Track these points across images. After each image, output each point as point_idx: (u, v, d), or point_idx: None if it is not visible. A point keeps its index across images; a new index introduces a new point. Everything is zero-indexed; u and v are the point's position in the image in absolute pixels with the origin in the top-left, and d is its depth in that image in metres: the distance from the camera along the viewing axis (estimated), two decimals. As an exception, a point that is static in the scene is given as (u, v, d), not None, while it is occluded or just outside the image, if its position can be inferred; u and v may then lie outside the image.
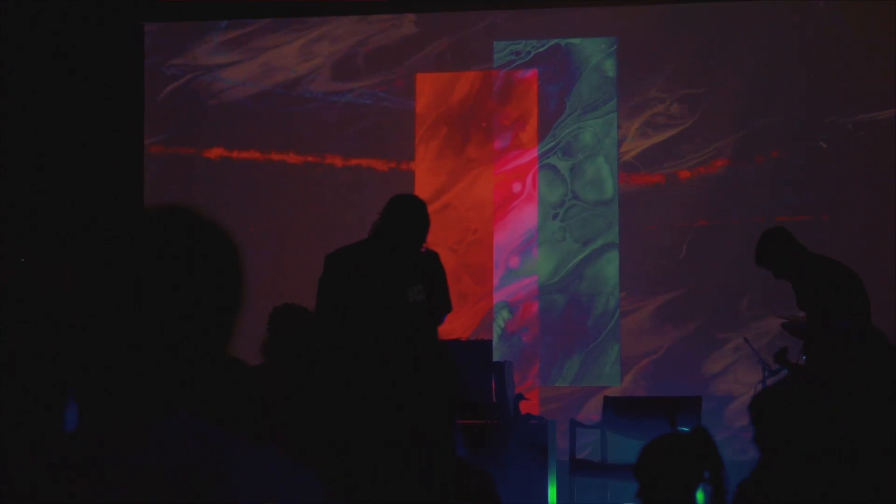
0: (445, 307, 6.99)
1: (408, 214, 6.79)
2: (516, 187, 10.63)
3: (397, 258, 6.80)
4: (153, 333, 1.87)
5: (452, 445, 3.23)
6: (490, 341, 8.94)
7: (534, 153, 10.61)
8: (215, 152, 10.98)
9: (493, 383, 8.33)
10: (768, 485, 3.88)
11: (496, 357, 9.14)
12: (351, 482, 2.97)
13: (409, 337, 6.69)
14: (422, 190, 10.46)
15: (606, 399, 9.37)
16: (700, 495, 3.93)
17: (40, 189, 10.61)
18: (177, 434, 1.86)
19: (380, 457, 2.99)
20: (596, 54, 10.59)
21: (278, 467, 1.88)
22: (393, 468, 2.95)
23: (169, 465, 1.82)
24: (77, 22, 10.79)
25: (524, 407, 8.66)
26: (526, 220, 10.59)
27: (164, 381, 1.88)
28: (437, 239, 9.84)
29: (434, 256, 7.00)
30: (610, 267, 10.48)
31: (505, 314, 10.56)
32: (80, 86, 10.78)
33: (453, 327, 9.49)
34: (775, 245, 8.16)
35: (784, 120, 10.24)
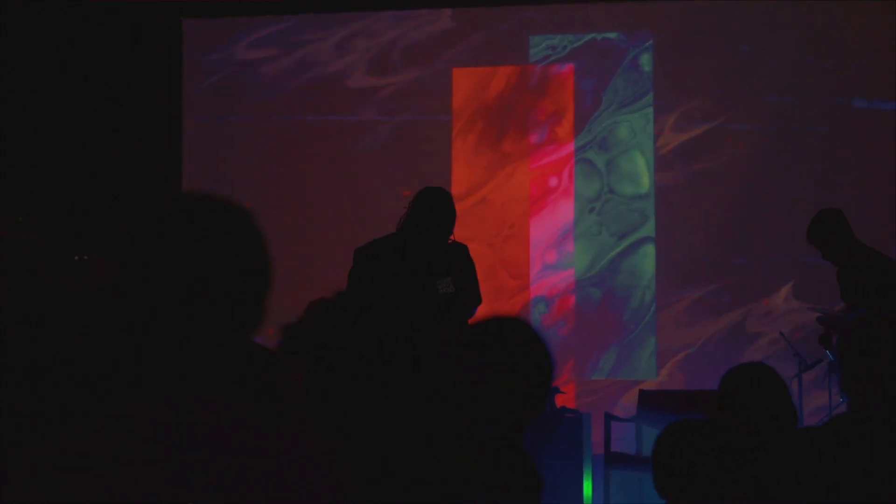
0: (475, 299, 7.01)
1: (435, 207, 6.81)
2: (552, 182, 10.65)
3: (426, 251, 6.82)
4: (181, 319, 1.92)
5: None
6: (525, 335, 8.94)
7: (570, 147, 10.63)
8: (252, 147, 11.03)
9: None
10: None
11: (532, 351, 9.14)
12: (379, 476, 3.00)
13: (439, 329, 6.72)
14: (458, 185, 10.50)
15: (642, 393, 9.37)
16: None
17: (81, 183, 10.70)
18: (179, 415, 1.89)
19: (406, 450, 3.02)
20: (632, 49, 10.60)
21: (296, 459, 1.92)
22: (417, 462, 2.99)
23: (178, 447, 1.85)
24: (118, 19, 10.87)
25: (560, 400, 8.68)
26: (562, 214, 10.61)
27: (187, 364, 1.92)
28: (474, 233, 9.89)
29: (463, 249, 7.01)
30: (646, 261, 10.49)
31: (541, 308, 10.59)
32: (118, 82, 10.87)
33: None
34: (829, 224, 8.21)
35: (819, 113, 10.21)
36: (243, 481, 1.84)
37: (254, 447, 1.88)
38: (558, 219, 10.62)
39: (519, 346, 3.01)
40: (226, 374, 1.95)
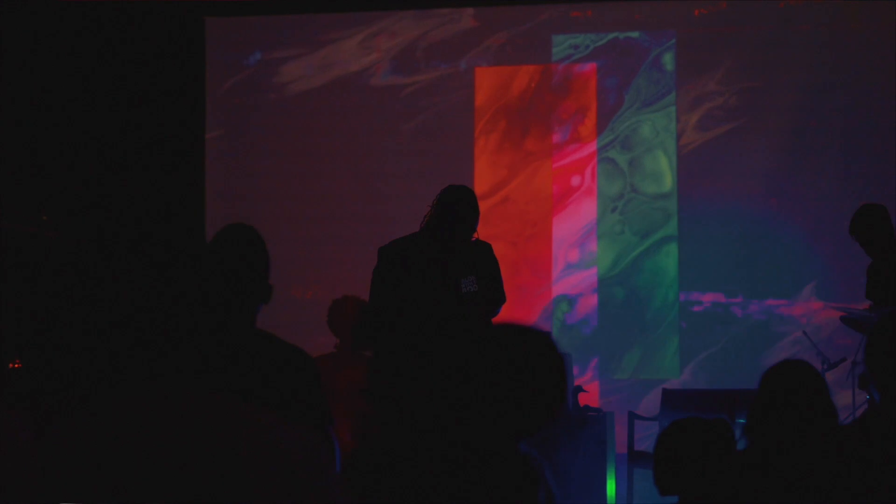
0: (499, 298, 7.01)
1: (459, 205, 6.81)
2: (575, 180, 10.65)
3: (450, 249, 6.82)
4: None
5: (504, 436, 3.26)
6: (549, 334, 8.95)
7: (593, 146, 10.63)
8: (275, 145, 11.06)
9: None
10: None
11: (554, 350, 9.13)
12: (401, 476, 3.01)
13: (463, 328, 6.71)
14: (481, 183, 10.50)
15: (665, 392, 9.37)
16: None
17: (104, 183, 10.74)
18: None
19: (429, 450, 3.02)
20: (655, 48, 10.59)
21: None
22: (438, 463, 2.99)
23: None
24: (139, 17, 10.91)
25: (583, 399, 8.68)
26: (585, 213, 10.61)
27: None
28: (497, 232, 9.90)
29: (487, 247, 7.01)
30: (669, 259, 10.48)
31: (564, 307, 10.59)
32: (141, 81, 10.90)
33: (513, 319, 9.49)
34: (872, 218, 8.22)
35: (844, 113, 10.20)
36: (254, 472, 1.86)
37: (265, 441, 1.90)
38: (581, 218, 10.62)
39: (533, 357, 3.01)
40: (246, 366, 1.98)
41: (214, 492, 1.85)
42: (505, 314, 7.22)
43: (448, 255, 6.80)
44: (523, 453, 2.98)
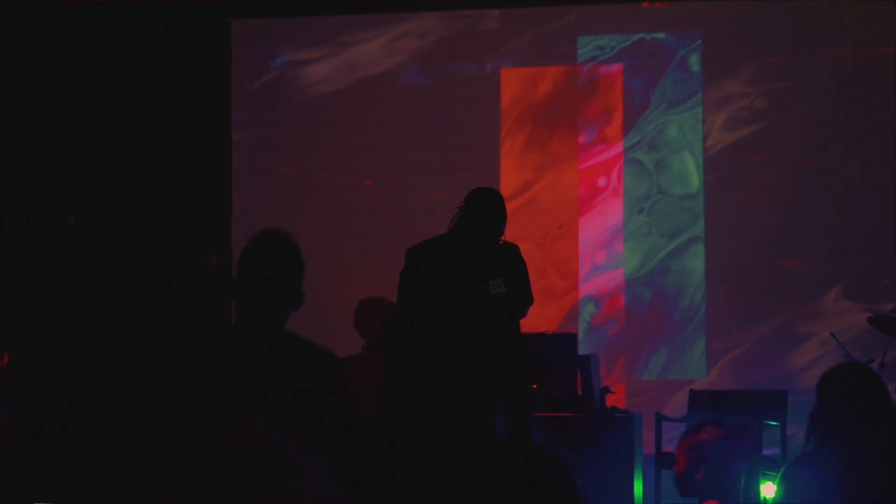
0: (527, 300, 7.00)
1: (486, 207, 6.82)
2: (601, 182, 10.64)
3: (477, 251, 6.82)
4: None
5: (529, 435, 3.27)
6: (575, 335, 8.96)
7: (619, 147, 10.61)
8: (301, 147, 11.07)
9: (578, 376, 8.36)
10: None
11: (582, 351, 9.16)
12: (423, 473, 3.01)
13: (491, 330, 6.72)
14: (507, 185, 10.50)
15: (692, 393, 9.35)
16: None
17: (130, 185, 10.77)
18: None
19: (453, 447, 3.03)
20: (681, 49, 10.57)
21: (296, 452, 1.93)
22: (465, 458, 2.99)
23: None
24: (166, 19, 10.94)
25: (610, 400, 8.67)
26: (611, 214, 10.60)
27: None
28: (523, 233, 9.89)
29: (514, 249, 7.01)
30: (696, 260, 10.46)
31: (591, 308, 10.58)
32: (168, 83, 10.93)
33: (540, 320, 9.51)
34: None
35: (872, 115, 10.16)
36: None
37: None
38: (607, 219, 10.60)
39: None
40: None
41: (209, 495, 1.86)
42: (532, 316, 7.22)
43: (476, 257, 6.81)
44: (558, 455, 2.98)
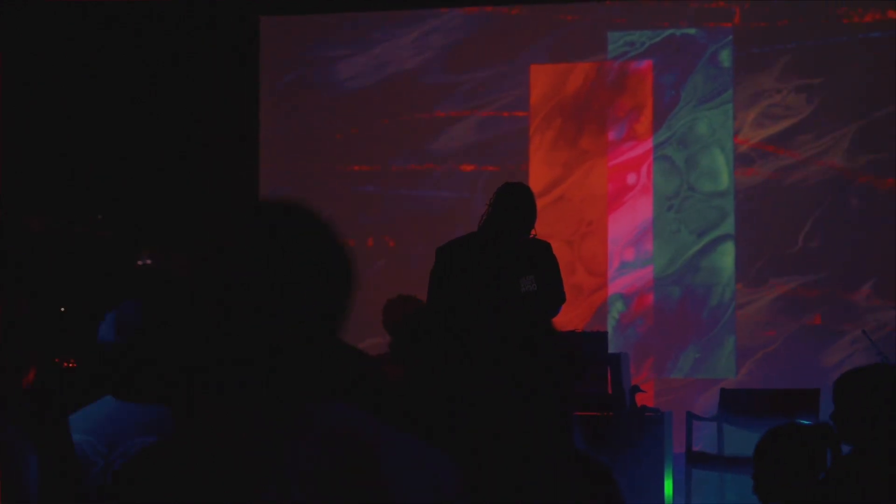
0: (559, 298, 6.96)
1: (516, 202, 6.78)
2: (631, 179, 10.59)
3: (509, 249, 6.78)
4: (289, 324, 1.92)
5: (570, 437, 3.23)
6: (605, 333, 8.90)
7: (648, 144, 10.56)
8: (328, 144, 11.05)
9: (608, 375, 8.31)
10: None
11: (611, 349, 9.12)
12: (472, 471, 2.98)
13: (523, 328, 6.68)
14: (536, 182, 10.45)
15: (723, 391, 9.30)
16: None
17: (159, 183, 10.78)
18: (331, 421, 1.89)
19: (497, 446, 3.00)
20: (711, 44, 10.51)
21: (423, 455, 1.91)
22: (510, 458, 2.96)
23: (322, 452, 1.85)
24: (195, 16, 10.94)
25: (640, 399, 8.62)
26: (641, 211, 10.55)
27: (303, 369, 1.93)
28: (552, 231, 9.84)
29: (546, 246, 6.97)
30: (725, 258, 10.40)
31: (619, 306, 10.53)
32: (196, 79, 10.93)
33: (568, 318, 9.47)
34: None
35: (904, 109, 10.09)
36: (371, 482, 1.84)
37: (380, 448, 1.87)
38: (637, 216, 10.55)
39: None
40: (318, 374, 1.96)
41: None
42: (560, 314, 7.18)
43: (506, 255, 6.76)
44: (593, 457, 2.94)
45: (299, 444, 1.87)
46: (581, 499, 2.93)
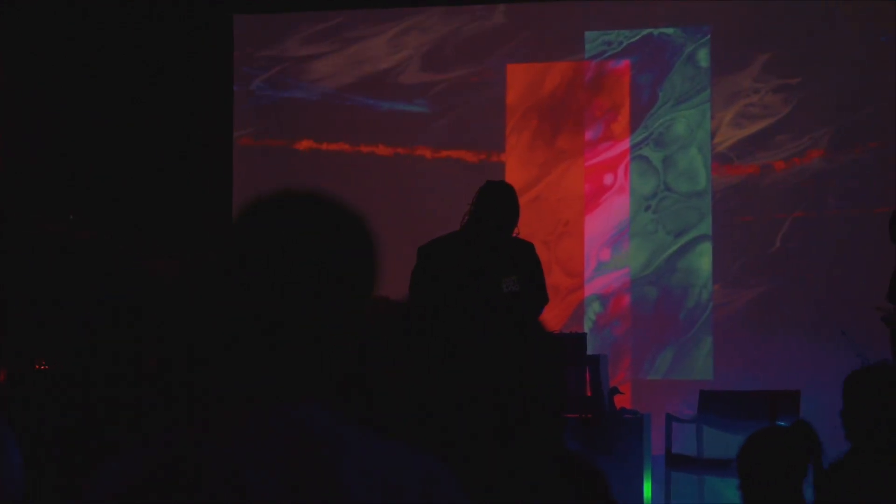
0: (541, 299, 6.92)
1: (498, 201, 6.73)
2: (608, 179, 10.54)
3: (491, 249, 6.74)
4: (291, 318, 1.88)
5: (561, 438, 3.17)
6: (585, 335, 8.86)
7: (626, 144, 10.52)
8: (304, 144, 10.99)
9: (587, 376, 8.27)
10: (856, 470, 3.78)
11: (588, 350, 9.08)
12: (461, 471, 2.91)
13: (504, 328, 6.63)
14: (512, 181, 10.30)
15: (703, 393, 9.26)
16: None
17: (133, 181, 10.70)
18: (293, 422, 1.85)
19: (483, 449, 2.93)
20: (689, 44, 10.48)
21: (387, 457, 1.86)
22: (500, 460, 2.90)
23: (281, 454, 1.80)
24: (167, 13, 10.86)
25: (619, 401, 8.58)
26: (618, 211, 10.51)
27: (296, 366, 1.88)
28: (529, 231, 9.75)
29: (529, 247, 6.93)
30: (703, 259, 10.37)
31: (596, 307, 10.49)
32: (169, 78, 10.85)
33: (545, 319, 9.41)
34: None
35: (883, 110, 10.07)
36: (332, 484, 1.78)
37: (347, 449, 1.82)
38: (614, 216, 10.51)
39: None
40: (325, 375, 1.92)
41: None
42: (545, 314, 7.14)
43: (488, 254, 6.71)
44: (586, 459, 2.88)
45: (260, 445, 1.83)
46: (573, 501, 2.88)
